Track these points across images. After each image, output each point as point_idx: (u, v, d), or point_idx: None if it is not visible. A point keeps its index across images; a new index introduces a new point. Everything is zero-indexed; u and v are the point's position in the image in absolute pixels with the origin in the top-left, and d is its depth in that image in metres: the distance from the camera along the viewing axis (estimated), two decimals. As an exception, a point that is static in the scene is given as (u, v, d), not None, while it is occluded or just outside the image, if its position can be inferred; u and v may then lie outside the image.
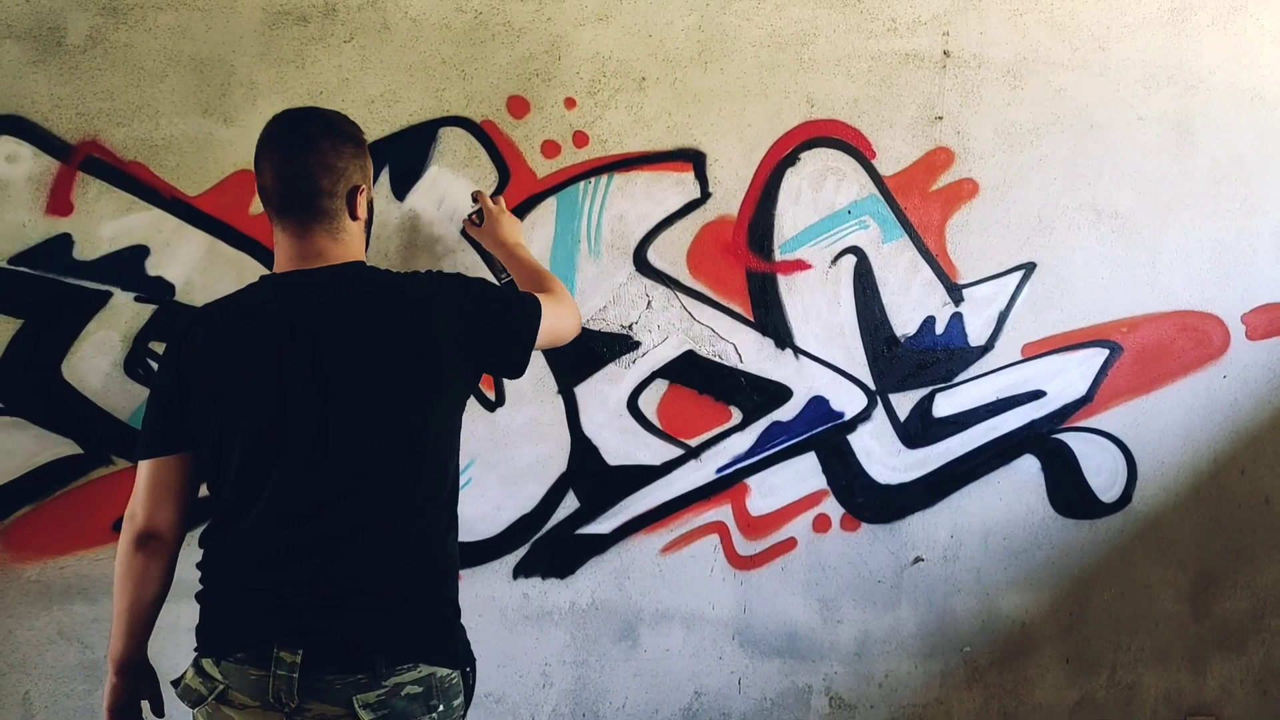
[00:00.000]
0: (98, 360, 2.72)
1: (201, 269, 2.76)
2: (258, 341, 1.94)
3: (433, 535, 2.05)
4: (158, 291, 2.74)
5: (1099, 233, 3.23)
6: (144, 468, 2.03)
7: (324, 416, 1.91)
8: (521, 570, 3.01)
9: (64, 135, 2.66)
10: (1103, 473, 3.33)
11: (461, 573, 2.89)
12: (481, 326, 2.08)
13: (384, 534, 1.96)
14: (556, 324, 2.33)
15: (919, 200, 3.13)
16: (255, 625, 1.92)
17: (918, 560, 3.23)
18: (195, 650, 2.02)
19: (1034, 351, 3.24)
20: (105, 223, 2.70)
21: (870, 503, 3.19)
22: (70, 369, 2.71)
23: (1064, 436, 3.29)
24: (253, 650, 1.90)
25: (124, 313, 2.73)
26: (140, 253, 2.73)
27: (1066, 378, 3.28)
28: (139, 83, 2.69)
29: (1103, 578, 3.35)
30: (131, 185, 2.70)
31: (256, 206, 2.77)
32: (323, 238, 2.00)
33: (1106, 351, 3.28)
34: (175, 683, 2.05)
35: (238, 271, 2.77)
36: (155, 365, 2.73)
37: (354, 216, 2.04)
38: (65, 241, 2.68)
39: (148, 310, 2.74)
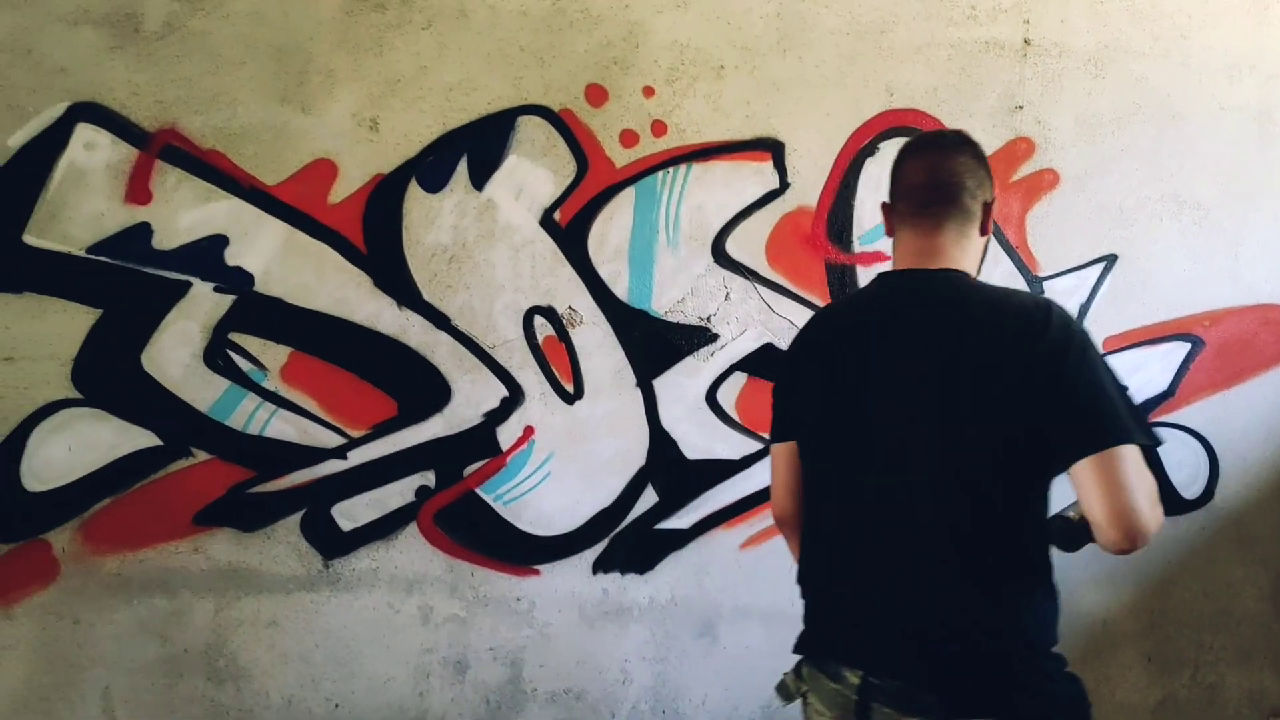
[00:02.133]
0: (177, 351, 2.55)
1: (280, 259, 2.58)
2: (846, 337, 1.73)
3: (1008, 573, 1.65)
4: (237, 282, 2.57)
5: (1180, 224, 3.01)
6: (775, 453, 1.88)
7: (915, 420, 1.63)
8: (601, 565, 2.81)
9: (142, 123, 2.49)
10: (1184, 469, 3.09)
11: (540, 568, 2.74)
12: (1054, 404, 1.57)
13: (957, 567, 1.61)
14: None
15: (999, 191, 2.88)
16: (827, 635, 1.71)
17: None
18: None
19: (1115, 345, 3.02)
20: (184, 212, 2.53)
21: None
22: (150, 360, 2.53)
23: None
24: (826, 660, 1.67)
25: (203, 303, 2.56)
26: (219, 242, 2.56)
27: (1148, 372, 3.05)
28: (216, 70, 2.52)
29: (1184, 575, 3.12)
30: (210, 174, 2.53)
31: (336, 195, 2.60)
32: (951, 238, 1.73)
33: (1189, 345, 3.06)
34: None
35: (316, 262, 2.60)
36: (234, 355, 2.58)
37: (983, 231, 1.80)
38: (144, 230, 2.51)
39: (227, 301, 2.56)
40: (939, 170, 1.76)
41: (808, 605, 1.76)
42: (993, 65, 2.88)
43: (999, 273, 2.93)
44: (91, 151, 2.46)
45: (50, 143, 2.44)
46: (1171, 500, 3.09)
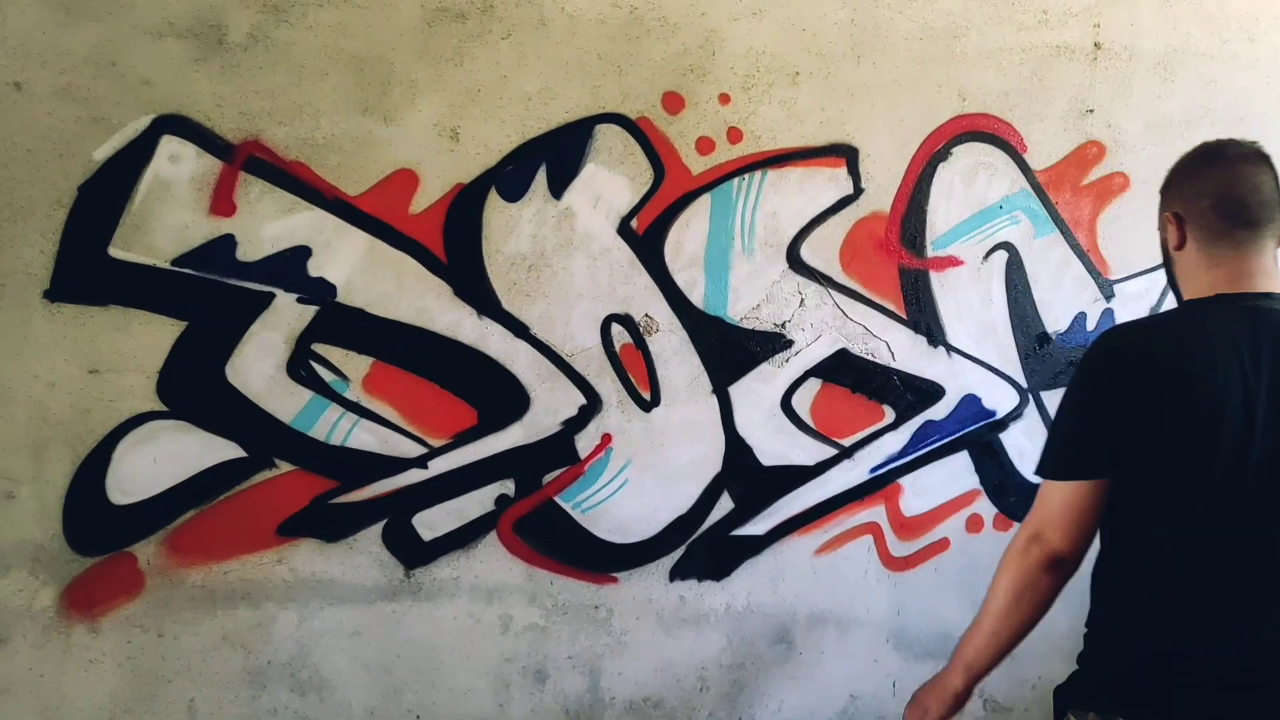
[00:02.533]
0: (261, 362, 2.54)
1: (362, 269, 2.57)
2: (1219, 366, 1.61)
3: None
4: (319, 293, 2.56)
5: (1248, 226, 3.02)
6: (1060, 488, 1.73)
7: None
8: (678, 572, 2.80)
9: (226, 135, 2.48)
10: (1253, 470, 3.11)
11: (618, 575, 2.74)
12: None
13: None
14: None
15: (1070, 194, 2.93)
16: (1157, 693, 1.67)
17: (1070, 560, 3.02)
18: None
19: (1185, 347, 3.03)
20: (267, 223, 2.52)
21: (1023, 502, 2.96)
22: (234, 371, 2.53)
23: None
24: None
25: (286, 314, 2.55)
26: (302, 253, 2.56)
27: (1217, 374, 3.07)
28: (300, 81, 2.52)
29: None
30: (293, 185, 2.52)
31: (417, 206, 2.59)
32: (1267, 256, 1.71)
33: (1256, 347, 3.07)
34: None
35: (397, 272, 2.59)
36: (317, 366, 2.57)
37: None
38: (228, 242, 2.51)
39: (310, 312, 2.56)
40: (1248, 183, 1.71)
41: (1123, 657, 1.71)
42: (1063, 69, 2.88)
43: (1069, 277, 2.94)
44: (176, 164, 2.46)
45: (135, 155, 2.43)
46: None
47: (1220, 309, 1.69)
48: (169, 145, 2.45)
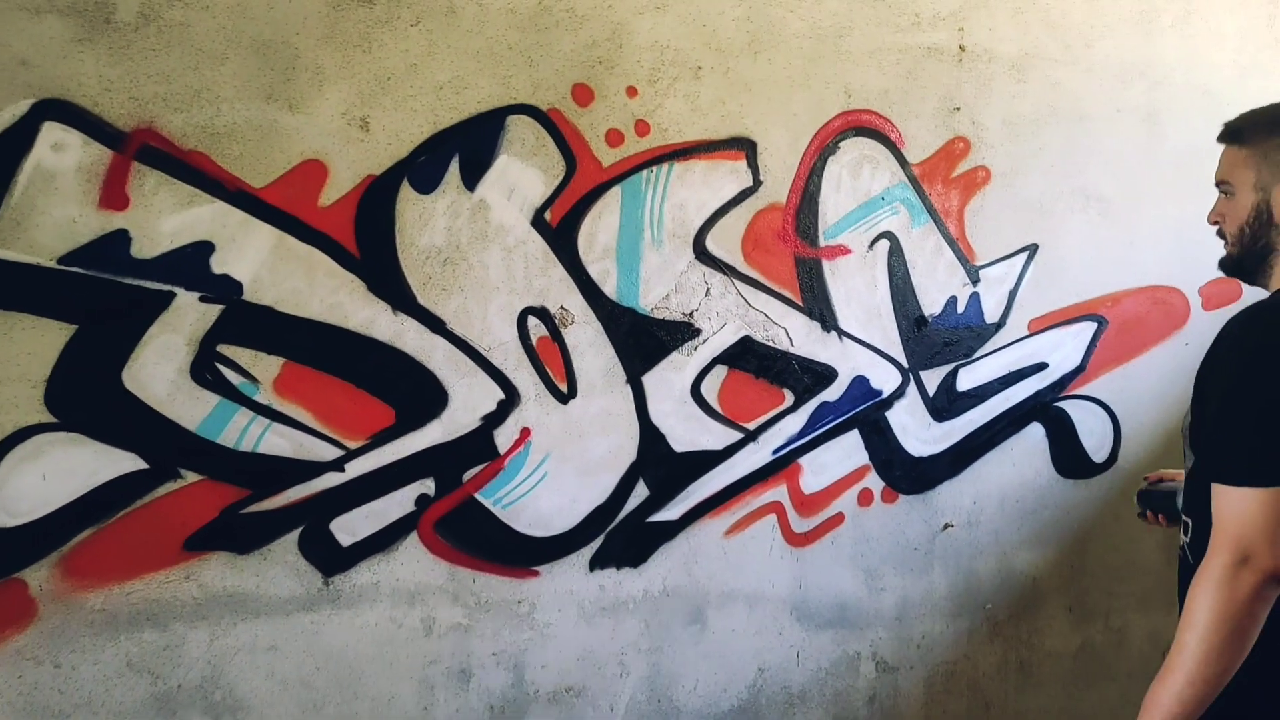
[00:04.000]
0: (161, 366, 2.36)
1: (270, 265, 2.43)
2: None
3: None
4: (224, 290, 2.40)
5: (1087, 216, 3.30)
6: (1270, 496, 1.53)
7: None
8: (597, 562, 2.81)
9: (116, 122, 2.28)
10: (1094, 436, 3.41)
11: (539, 569, 2.73)
12: None
13: None
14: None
15: (941, 186, 3.12)
16: None
17: (947, 527, 3.22)
18: None
19: (1038, 327, 3.28)
20: (165, 217, 2.34)
21: (906, 475, 3.16)
22: (131, 377, 2.33)
23: (1063, 404, 3.36)
24: None
25: (188, 314, 2.37)
26: (204, 249, 2.38)
27: (1064, 350, 3.34)
28: (198, 65, 2.35)
29: (1097, 532, 3.44)
30: (192, 176, 2.35)
31: (326, 198, 2.48)
32: None
33: (1095, 325, 3.37)
34: None
35: (307, 268, 2.46)
36: (223, 369, 2.41)
37: None
38: (121, 238, 2.31)
39: (214, 311, 2.39)
40: None
41: None
42: (934, 69, 3.07)
43: (942, 263, 3.14)
44: (60, 153, 2.24)
45: (13, 143, 2.21)
46: (1086, 465, 3.41)
47: None
48: (52, 132, 2.24)
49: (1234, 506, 1.56)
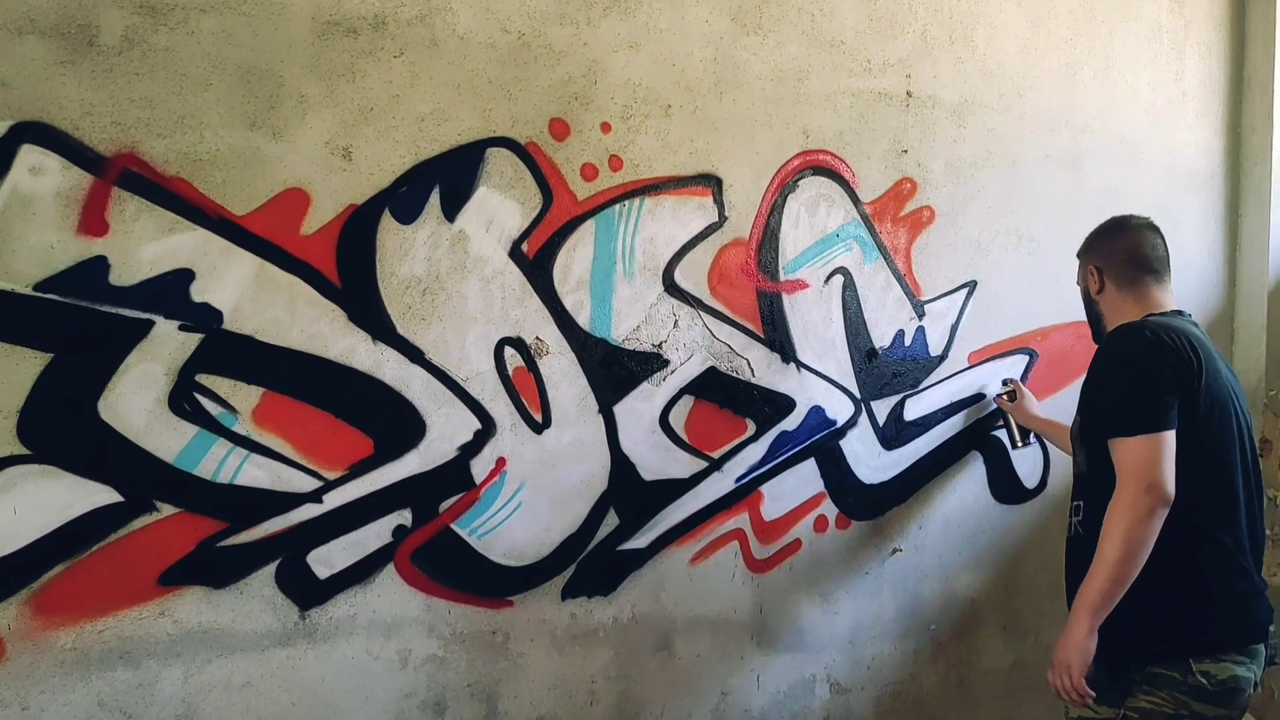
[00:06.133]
0: (139, 396, 2.30)
1: (251, 294, 2.40)
2: (1215, 356, 2.39)
3: None
4: (204, 319, 2.36)
5: (1020, 254, 3.50)
6: (1166, 439, 2.23)
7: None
8: (569, 591, 2.83)
9: (97, 146, 2.23)
10: (1026, 463, 3.59)
11: (513, 599, 2.74)
12: None
13: None
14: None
15: (890, 225, 3.27)
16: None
17: (895, 551, 3.35)
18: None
19: (977, 359, 3.46)
20: (145, 244, 2.29)
21: (858, 502, 3.27)
22: (108, 407, 2.26)
23: (999, 433, 3.55)
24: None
25: (167, 343, 2.32)
26: (184, 277, 2.34)
27: (1000, 381, 3.54)
28: (181, 91, 2.31)
29: (1028, 554, 3.62)
30: (173, 203, 2.31)
31: (308, 227, 2.46)
32: (1167, 293, 2.56)
33: (1028, 357, 3.57)
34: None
35: (288, 297, 2.44)
36: (202, 399, 2.37)
37: None
38: (100, 265, 2.25)
39: (194, 340, 2.35)
40: (1156, 243, 2.55)
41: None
42: (884, 113, 3.22)
43: (891, 298, 3.28)
44: (38, 176, 2.18)
45: (-11, 166, 2.13)
46: (1019, 491, 3.59)
47: (1170, 318, 2.45)
48: (30, 155, 2.18)
49: (1132, 451, 2.25)
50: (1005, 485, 3.55)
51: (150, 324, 2.31)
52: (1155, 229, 2.57)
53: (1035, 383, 3.55)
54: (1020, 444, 3.36)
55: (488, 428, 2.69)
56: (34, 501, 2.21)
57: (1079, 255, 2.71)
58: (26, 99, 2.17)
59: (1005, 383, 3.41)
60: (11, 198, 2.16)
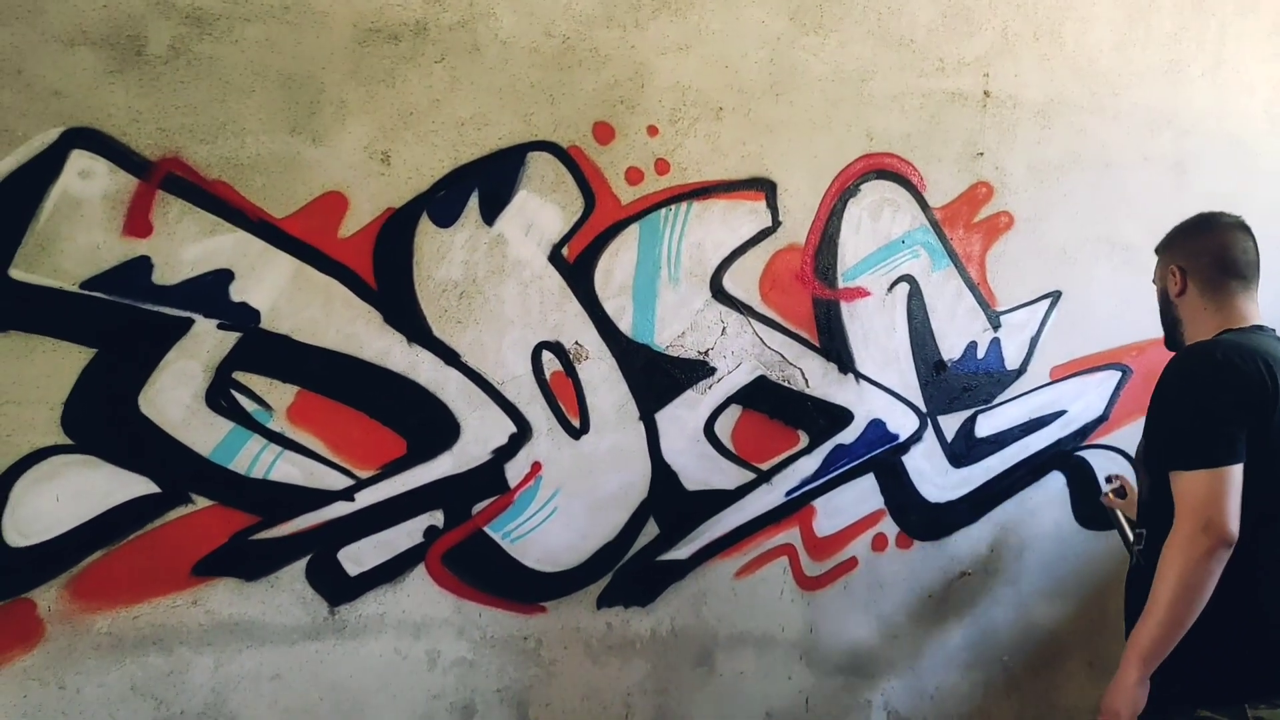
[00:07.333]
0: (177, 392, 2.39)
1: (288, 294, 2.46)
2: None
3: None
4: (242, 318, 2.44)
5: (1112, 263, 3.28)
6: (1229, 474, 2.02)
7: None
8: (605, 600, 2.80)
9: (143, 151, 2.33)
10: (1117, 487, 3.38)
11: (546, 605, 2.72)
12: None
13: None
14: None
15: (963, 231, 3.12)
16: None
17: (964, 575, 3.18)
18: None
19: (1060, 374, 3.26)
20: (187, 245, 2.38)
21: (922, 521, 3.13)
22: (148, 401, 2.37)
23: (1085, 454, 3.33)
24: None
25: (206, 341, 2.41)
26: (224, 277, 2.42)
27: (1087, 399, 3.31)
28: (224, 97, 2.40)
29: (1117, 585, 3.38)
30: (215, 206, 2.40)
31: (346, 229, 2.51)
32: (1253, 302, 2.27)
33: (1120, 374, 3.34)
34: None
35: (324, 298, 2.49)
36: (238, 396, 2.44)
37: None
38: (144, 264, 2.35)
39: (231, 339, 2.43)
40: (1247, 246, 2.26)
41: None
42: (957, 114, 3.07)
43: (962, 308, 3.12)
44: (87, 180, 2.29)
45: (42, 170, 2.26)
46: (1106, 515, 3.34)
47: (1248, 335, 2.19)
48: (79, 160, 2.29)
49: (1191, 486, 2.04)
50: (1092, 510, 3.33)
51: (190, 322, 2.39)
52: (1247, 229, 2.30)
53: (1128, 401, 3.33)
54: (1138, 546, 2.43)
55: (523, 431, 2.68)
56: (75, 490, 2.32)
57: (1158, 251, 2.43)
58: (78, 106, 2.28)
59: (1109, 479, 2.92)
60: (62, 200, 2.27)
